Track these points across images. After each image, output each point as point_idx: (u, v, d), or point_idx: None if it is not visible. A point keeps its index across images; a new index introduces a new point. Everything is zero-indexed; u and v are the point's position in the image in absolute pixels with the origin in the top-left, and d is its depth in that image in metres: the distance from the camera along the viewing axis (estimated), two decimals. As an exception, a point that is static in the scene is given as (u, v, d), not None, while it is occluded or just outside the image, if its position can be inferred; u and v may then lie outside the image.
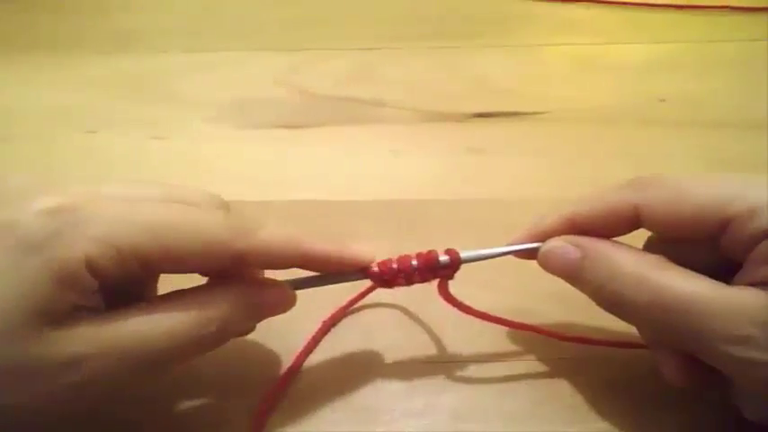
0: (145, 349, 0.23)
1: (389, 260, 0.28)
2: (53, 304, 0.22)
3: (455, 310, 0.29)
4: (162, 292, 0.26)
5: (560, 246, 0.27)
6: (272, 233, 0.25)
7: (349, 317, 0.32)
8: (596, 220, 0.27)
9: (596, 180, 0.32)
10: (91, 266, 0.22)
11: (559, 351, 0.30)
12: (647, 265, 0.25)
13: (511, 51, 0.51)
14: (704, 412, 0.28)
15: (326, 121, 0.45)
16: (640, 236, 0.27)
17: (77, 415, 0.23)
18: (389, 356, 0.31)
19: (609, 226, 0.27)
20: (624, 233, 0.27)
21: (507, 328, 0.31)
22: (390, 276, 0.28)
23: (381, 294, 0.30)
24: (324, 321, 0.32)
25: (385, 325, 0.32)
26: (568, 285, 0.27)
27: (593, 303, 0.26)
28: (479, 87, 0.48)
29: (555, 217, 0.27)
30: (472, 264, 0.28)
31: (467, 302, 0.29)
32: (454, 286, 0.29)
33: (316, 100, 0.47)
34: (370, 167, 0.41)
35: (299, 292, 0.27)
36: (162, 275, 0.27)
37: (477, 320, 0.29)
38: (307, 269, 0.27)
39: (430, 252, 0.28)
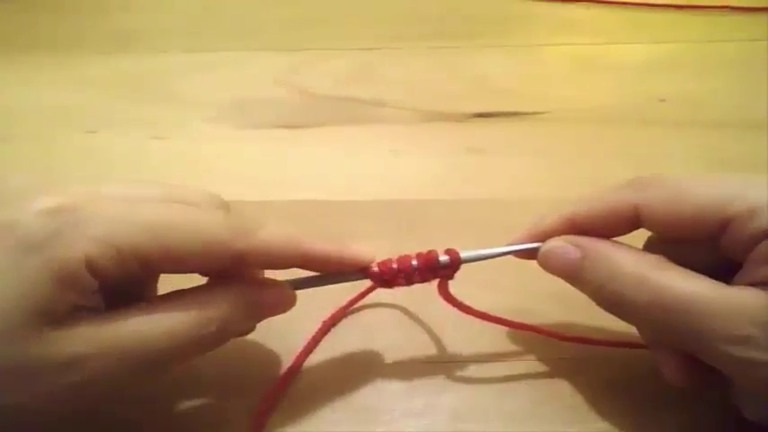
0: (145, 349, 0.23)
1: (389, 260, 0.28)
2: (53, 304, 0.22)
3: (455, 310, 0.29)
4: (162, 292, 0.26)
5: (560, 246, 0.27)
6: (272, 233, 0.25)
7: (349, 317, 0.32)
8: (596, 220, 0.27)
9: (596, 180, 0.32)
10: (91, 266, 0.22)
11: (559, 351, 0.30)
12: (647, 265, 0.25)
13: (511, 51, 0.51)
14: (704, 412, 0.28)
15: (326, 121, 0.45)
16: (640, 236, 0.27)
17: (77, 415, 0.23)
18: (389, 356, 0.31)
19: (609, 226, 0.27)
20: (624, 233, 0.27)
21: (507, 328, 0.31)
22: (390, 276, 0.28)
23: (381, 294, 0.30)
24: (324, 321, 0.32)
25: (385, 325, 0.32)
26: (568, 285, 0.27)
27: (593, 303, 0.26)
28: (479, 87, 0.48)
29: (555, 217, 0.27)
30: (472, 264, 0.28)
31: (467, 302, 0.29)
32: (454, 286, 0.29)
33: (316, 100, 0.47)
34: (370, 167, 0.41)
35: (299, 292, 0.27)
36: (162, 275, 0.27)
37: (477, 320, 0.29)
38: (307, 269, 0.27)
39: (430, 252, 0.28)
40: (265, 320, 0.27)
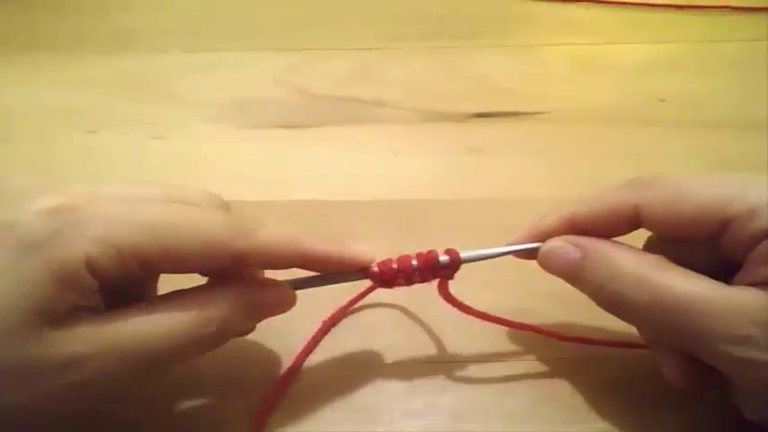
0: (145, 349, 0.23)
1: (389, 260, 0.28)
2: (53, 304, 0.22)
3: (455, 310, 0.29)
4: (162, 292, 0.26)
5: (560, 246, 0.27)
6: (272, 233, 0.25)
7: (349, 317, 0.32)
8: (596, 220, 0.27)
9: (596, 180, 0.32)
10: (91, 266, 0.22)
11: (559, 351, 0.30)
12: (647, 265, 0.25)
13: (511, 51, 0.51)
14: (704, 412, 0.28)
15: (326, 121, 0.45)
16: (640, 236, 0.27)
17: (77, 415, 0.23)
18: (389, 356, 0.31)
19: (609, 226, 0.27)
20: (624, 233, 0.27)
21: (507, 328, 0.31)
22: (390, 276, 0.28)
23: (381, 294, 0.30)
24: (324, 321, 0.32)
25: (385, 325, 0.32)
26: (568, 285, 0.27)
27: (593, 303, 0.26)
28: (479, 87, 0.48)
29: (555, 217, 0.27)
30: (472, 264, 0.28)
31: (467, 302, 0.29)
32: (454, 286, 0.29)
33: (316, 100, 0.47)
34: (370, 167, 0.41)
35: (299, 292, 0.27)
36: (162, 275, 0.27)
37: (477, 320, 0.29)
38: (307, 269, 0.27)
39: (430, 252, 0.28)
40: (265, 320, 0.27)
